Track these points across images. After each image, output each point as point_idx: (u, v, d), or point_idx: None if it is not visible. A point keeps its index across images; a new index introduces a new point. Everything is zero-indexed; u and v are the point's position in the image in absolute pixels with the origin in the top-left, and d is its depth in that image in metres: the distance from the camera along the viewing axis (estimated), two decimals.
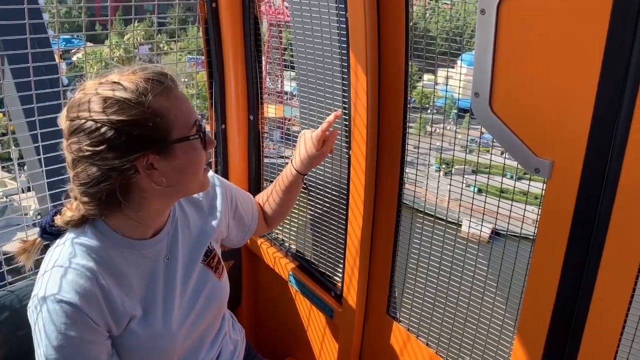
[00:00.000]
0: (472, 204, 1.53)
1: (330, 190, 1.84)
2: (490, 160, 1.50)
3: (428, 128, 1.80)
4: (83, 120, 1.07)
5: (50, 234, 1.23)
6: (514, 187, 1.45)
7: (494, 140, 1.43)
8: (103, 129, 1.06)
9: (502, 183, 1.46)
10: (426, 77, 1.70)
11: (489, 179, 1.52)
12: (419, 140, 1.65)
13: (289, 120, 2.19)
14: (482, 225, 1.55)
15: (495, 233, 1.56)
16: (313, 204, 1.93)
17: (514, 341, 1.43)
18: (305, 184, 1.90)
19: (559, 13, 1.17)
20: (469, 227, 1.56)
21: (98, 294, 1.15)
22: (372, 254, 1.80)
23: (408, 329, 1.76)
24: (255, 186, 2.16)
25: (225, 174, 2.12)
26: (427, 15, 1.76)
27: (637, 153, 1.13)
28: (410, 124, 1.66)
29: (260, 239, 2.16)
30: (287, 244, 2.10)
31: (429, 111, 1.72)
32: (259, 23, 1.91)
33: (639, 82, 1.11)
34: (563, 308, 1.32)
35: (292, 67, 1.87)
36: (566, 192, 1.26)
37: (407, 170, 1.68)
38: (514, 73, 1.30)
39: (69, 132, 1.11)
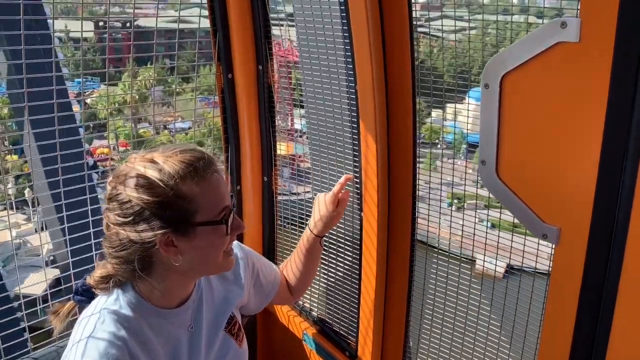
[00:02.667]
0: (486, 239, 1.55)
1: (342, 234, 1.87)
2: None
3: (438, 163, 1.84)
4: (118, 192, 1.16)
5: (83, 296, 1.28)
6: None
7: (502, 205, 1.47)
8: (131, 203, 1.14)
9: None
10: (434, 113, 1.74)
11: (500, 213, 1.54)
12: (430, 176, 1.69)
13: (299, 157, 2.25)
14: (496, 261, 1.56)
15: (509, 268, 1.57)
16: (326, 261, 1.96)
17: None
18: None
19: (560, 85, 1.22)
20: (484, 263, 1.59)
21: None
22: (386, 313, 1.82)
23: None
24: (269, 247, 2.21)
25: (239, 235, 2.16)
26: (434, 52, 1.81)
27: None
28: (421, 159, 1.70)
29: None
30: (301, 303, 2.13)
31: (438, 146, 1.74)
32: (272, 92, 1.99)
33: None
34: None
35: (302, 105, 1.95)
36: (574, 257, 1.28)
37: (419, 205, 1.71)
38: (518, 142, 1.34)
39: (108, 197, 1.20)
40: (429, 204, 1.71)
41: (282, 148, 2.15)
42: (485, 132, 1.38)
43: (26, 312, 1.74)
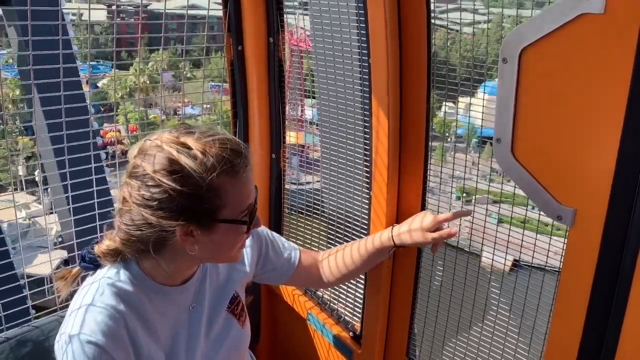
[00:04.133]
0: (496, 234, 1.51)
1: (350, 226, 1.84)
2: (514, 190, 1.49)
3: (449, 158, 1.78)
4: (145, 171, 1.10)
5: (89, 263, 1.26)
6: (539, 217, 1.43)
7: (517, 187, 1.43)
8: (159, 189, 1.08)
9: (526, 213, 1.46)
10: (447, 105, 1.71)
11: (513, 209, 1.51)
12: (442, 168, 1.67)
13: (309, 147, 2.21)
14: (505, 255, 1.53)
15: (516, 264, 1.55)
16: (333, 241, 1.93)
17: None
18: (325, 219, 1.90)
19: (581, 60, 1.18)
20: (492, 257, 1.55)
21: (125, 336, 1.16)
22: (392, 295, 1.79)
23: None
24: (275, 225, 2.18)
25: None
26: (448, 44, 1.77)
27: None
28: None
29: None
30: None
31: (449, 139, 1.71)
32: (283, 66, 1.95)
33: None
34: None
35: (313, 95, 1.91)
36: (589, 241, 1.24)
37: (428, 197, 1.67)
38: (536, 120, 1.30)
39: (130, 172, 1.14)
40: (439, 196, 1.68)
41: (292, 137, 2.11)
42: (502, 108, 1.34)
43: (31, 292, 1.72)
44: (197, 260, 1.25)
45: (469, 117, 1.57)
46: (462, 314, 1.63)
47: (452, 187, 1.71)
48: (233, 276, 1.43)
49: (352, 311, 1.92)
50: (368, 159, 1.70)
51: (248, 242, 1.45)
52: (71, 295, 1.27)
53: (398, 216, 1.71)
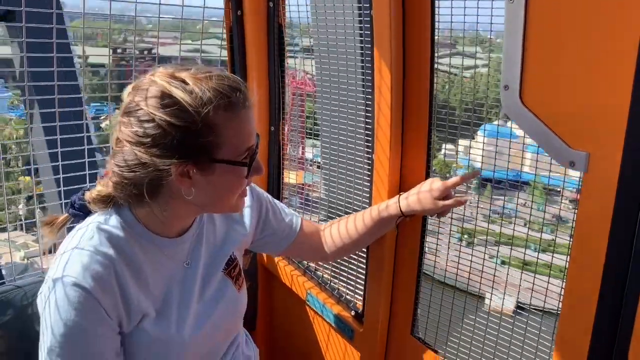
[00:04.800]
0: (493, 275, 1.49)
1: (351, 206, 1.78)
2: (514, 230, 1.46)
3: None
4: (138, 107, 1.06)
5: (79, 210, 1.21)
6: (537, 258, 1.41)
7: (526, 134, 1.39)
8: (152, 123, 1.03)
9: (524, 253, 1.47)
10: (447, 146, 1.73)
11: (511, 249, 1.47)
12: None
13: (309, 186, 2.20)
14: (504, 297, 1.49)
15: (518, 306, 1.50)
16: (334, 214, 1.87)
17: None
18: (326, 199, 1.84)
19: None
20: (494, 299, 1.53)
21: (114, 283, 1.10)
22: (395, 271, 1.72)
23: (436, 351, 1.63)
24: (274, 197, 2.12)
25: None
26: (446, 87, 1.79)
27: None
28: None
29: (278, 257, 2.08)
30: (305, 262, 2.02)
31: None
32: (283, 31, 1.92)
33: None
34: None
35: (316, 136, 1.92)
36: (604, 186, 1.19)
37: (427, 237, 1.65)
38: (545, 63, 1.26)
39: (123, 109, 1.09)
40: (437, 238, 1.67)
41: (292, 177, 2.11)
42: (509, 53, 1.31)
43: None
44: (194, 207, 1.18)
45: (469, 159, 1.62)
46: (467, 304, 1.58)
47: (449, 226, 1.67)
48: (231, 236, 1.37)
49: (353, 289, 1.83)
50: (368, 192, 1.69)
51: (248, 201, 1.40)
52: (55, 247, 1.21)
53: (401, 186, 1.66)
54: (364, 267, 1.75)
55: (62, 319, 1.04)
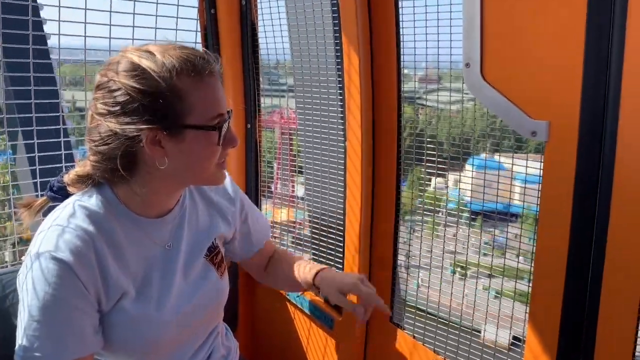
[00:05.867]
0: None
1: (327, 201, 1.82)
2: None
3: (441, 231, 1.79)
4: (107, 79, 1.08)
5: (58, 193, 1.20)
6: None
7: (488, 109, 1.44)
8: (120, 92, 1.05)
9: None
10: (436, 180, 1.79)
11: (502, 281, 1.50)
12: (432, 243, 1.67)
13: (300, 224, 2.22)
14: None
15: (515, 339, 1.51)
16: (311, 217, 1.90)
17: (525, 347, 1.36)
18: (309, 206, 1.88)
19: None
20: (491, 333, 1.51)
21: (93, 258, 1.09)
22: (372, 258, 1.74)
23: (414, 336, 1.64)
24: (253, 195, 2.15)
25: None
26: (433, 122, 1.87)
27: (632, 103, 1.12)
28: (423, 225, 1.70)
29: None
30: None
31: (440, 214, 1.76)
32: (256, 29, 1.97)
33: (624, 33, 1.12)
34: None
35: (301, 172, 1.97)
36: (565, 152, 1.23)
37: (421, 272, 1.68)
38: (502, 39, 1.32)
39: (96, 86, 1.11)
40: (428, 270, 1.69)
41: (283, 213, 2.16)
42: (469, 31, 1.37)
43: None
44: (171, 181, 1.17)
45: (459, 190, 1.69)
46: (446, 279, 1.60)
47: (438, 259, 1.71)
48: (214, 224, 1.37)
49: None
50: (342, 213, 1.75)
51: (230, 188, 1.42)
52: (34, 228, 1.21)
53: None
54: (342, 256, 1.76)
55: (41, 291, 1.03)
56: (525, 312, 1.38)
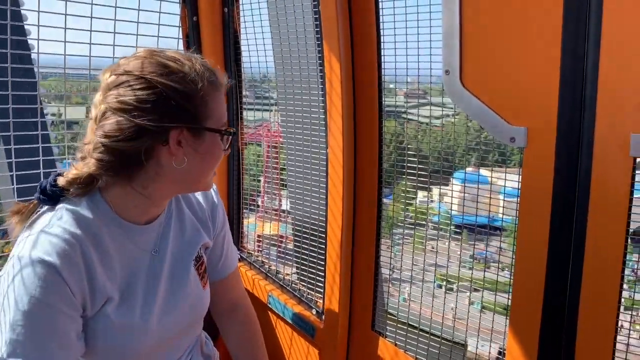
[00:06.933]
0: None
1: (309, 214, 1.82)
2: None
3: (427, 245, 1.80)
4: (134, 77, 1.08)
5: (49, 196, 1.16)
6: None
7: (468, 116, 1.45)
8: (154, 90, 1.07)
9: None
10: (421, 194, 1.80)
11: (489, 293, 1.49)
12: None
13: (286, 238, 2.22)
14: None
15: (501, 353, 1.50)
16: (294, 230, 1.91)
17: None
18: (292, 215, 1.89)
19: None
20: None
21: (80, 262, 1.08)
22: (354, 267, 1.74)
23: (395, 344, 1.63)
24: (235, 206, 2.13)
25: None
26: (418, 136, 1.90)
27: (608, 107, 1.15)
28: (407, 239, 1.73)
29: (239, 262, 2.06)
30: (267, 266, 2.02)
31: (423, 228, 1.78)
32: (238, 36, 1.98)
33: (599, 39, 1.15)
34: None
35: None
36: (543, 157, 1.25)
37: (408, 286, 1.71)
38: (481, 47, 1.34)
39: (111, 85, 1.10)
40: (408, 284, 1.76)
41: (270, 228, 2.17)
42: (448, 40, 1.38)
43: None
44: (173, 187, 1.18)
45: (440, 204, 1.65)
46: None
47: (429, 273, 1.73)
48: (198, 235, 1.37)
49: (314, 288, 1.84)
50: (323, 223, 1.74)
51: (215, 196, 1.43)
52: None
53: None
54: (323, 266, 1.76)
55: (26, 295, 1.01)
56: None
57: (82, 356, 1.13)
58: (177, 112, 1.09)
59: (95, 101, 1.13)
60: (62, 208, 1.12)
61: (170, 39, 1.86)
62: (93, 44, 1.59)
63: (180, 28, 1.90)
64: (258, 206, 2.22)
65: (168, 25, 1.79)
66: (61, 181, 1.14)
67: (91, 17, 1.56)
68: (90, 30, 1.58)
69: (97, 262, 1.11)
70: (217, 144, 1.16)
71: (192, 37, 1.91)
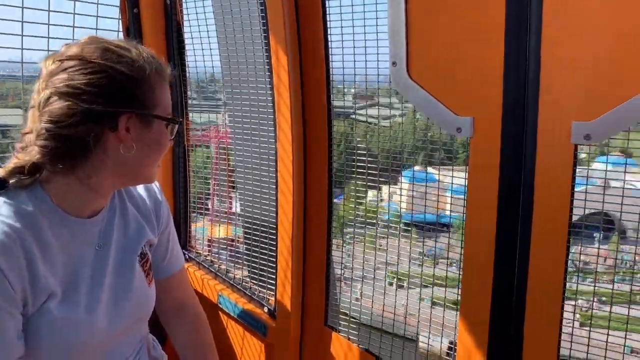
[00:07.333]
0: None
1: (259, 217, 1.80)
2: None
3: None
4: (83, 62, 1.04)
5: None
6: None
7: (415, 108, 1.46)
8: (104, 74, 1.04)
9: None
10: (371, 193, 1.80)
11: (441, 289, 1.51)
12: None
13: (238, 241, 2.19)
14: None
15: (452, 346, 1.52)
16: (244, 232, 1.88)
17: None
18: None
19: None
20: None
21: (21, 256, 1.03)
22: (305, 264, 1.72)
23: (349, 338, 1.63)
24: (182, 207, 2.08)
25: None
26: (367, 136, 1.91)
27: (550, 95, 1.17)
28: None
29: (187, 262, 2.02)
30: (216, 266, 1.98)
31: (374, 226, 1.79)
32: (181, 29, 1.92)
33: (541, 30, 1.17)
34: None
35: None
36: (489, 147, 1.27)
37: (360, 285, 1.69)
38: (427, 39, 1.35)
39: (56, 71, 1.06)
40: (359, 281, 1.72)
41: (222, 230, 2.15)
42: (394, 32, 1.39)
43: None
44: (116, 178, 1.15)
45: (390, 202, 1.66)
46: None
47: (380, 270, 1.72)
48: (142, 232, 1.33)
49: (265, 287, 1.81)
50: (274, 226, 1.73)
51: (158, 193, 1.39)
52: None
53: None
54: (275, 263, 1.74)
55: None
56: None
57: (26, 356, 1.08)
58: (126, 98, 1.07)
59: (37, 88, 1.08)
60: (0, 201, 1.06)
61: (109, 32, 1.78)
62: (25, 35, 1.51)
63: (120, 20, 1.83)
64: (208, 209, 2.17)
65: (107, 17, 1.71)
66: (1, 171, 1.09)
67: (22, 7, 1.48)
68: (22, 22, 1.49)
69: (39, 256, 1.06)
70: (164, 133, 1.15)
71: (133, 30, 1.84)
